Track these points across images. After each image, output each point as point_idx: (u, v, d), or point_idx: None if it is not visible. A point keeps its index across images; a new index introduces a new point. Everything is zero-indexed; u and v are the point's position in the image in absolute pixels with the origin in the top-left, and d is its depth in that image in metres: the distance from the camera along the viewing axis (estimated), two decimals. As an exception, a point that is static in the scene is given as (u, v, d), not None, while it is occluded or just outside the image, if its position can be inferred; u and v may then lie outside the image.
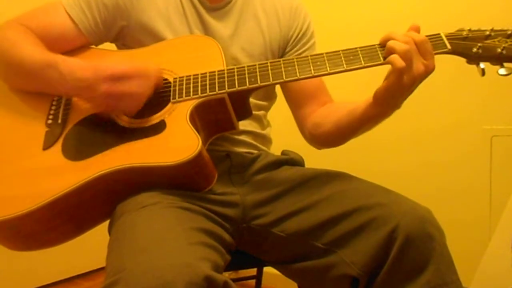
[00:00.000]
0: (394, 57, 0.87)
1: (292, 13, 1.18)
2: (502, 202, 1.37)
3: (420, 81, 0.90)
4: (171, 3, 1.09)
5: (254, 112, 1.07)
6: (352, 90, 1.65)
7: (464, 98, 1.70)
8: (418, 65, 0.88)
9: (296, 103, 1.18)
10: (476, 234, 1.61)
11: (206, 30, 1.10)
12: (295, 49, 1.17)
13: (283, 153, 1.18)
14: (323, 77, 1.17)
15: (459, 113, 1.71)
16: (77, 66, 0.96)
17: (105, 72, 0.93)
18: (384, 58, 0.90)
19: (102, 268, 0.80)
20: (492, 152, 1.59)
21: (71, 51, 1.07)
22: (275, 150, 1.21)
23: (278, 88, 1.22)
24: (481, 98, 1.66)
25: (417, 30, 0.92)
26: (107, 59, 1.07)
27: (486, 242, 1.37)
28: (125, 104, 0.95)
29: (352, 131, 1.05)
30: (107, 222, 0.97)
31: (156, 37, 1.07)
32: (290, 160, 1.15)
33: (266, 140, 1.19)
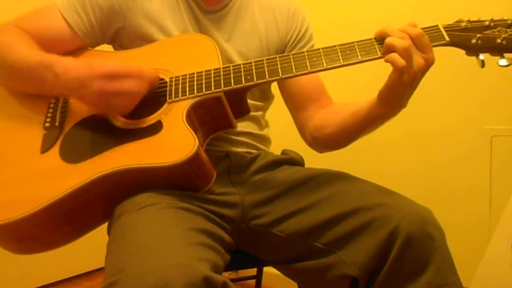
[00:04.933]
0: (394, 56, 0.86)
1: (290, 16, 1.17)
2: (502, 202, 1.37)
3: (422, 76, 0.89)
4: (167, 5, 1.09)
5: (251, 113, 1.07)
6: (351, 87, 1.66)
7: (464, 98, 1.70)
8: (418, 60, 0.87)
9: (296, 106, 1.17)
10: (476, 234, 1.60)
11: (203, 33, 1.09)
12: (293, 51, 1.16)
13: (283, 152, 1.18)
14: (323, 80, 1.18)
15: (459, 113, 1.71)
16: (71, 66, 0.96)
17: (98, 70, 0.93)
18: (383, 54, 0.89)
19: (102, 268, 0.80)
20: (492, 152, 1.59)
21: (68, 53, 1.07)
22: (275, 150, 1.21)
23: (275, 88, 1.21)
24: (481, 98, 1.66)
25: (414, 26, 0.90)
26: (101, 59, 1.06)
27: (486, 242, 1.37)
28: (118, 103, 0.94)
29: (357, 132, 1.04)
30: (107, 223, 0.97)
31: (151, 39, 1.07)
32: (290, 160, 1.15)
33: (265, 140, 1.18)
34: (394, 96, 0.91)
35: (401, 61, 0.85)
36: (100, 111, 0.98)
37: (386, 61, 0.88)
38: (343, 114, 1.06)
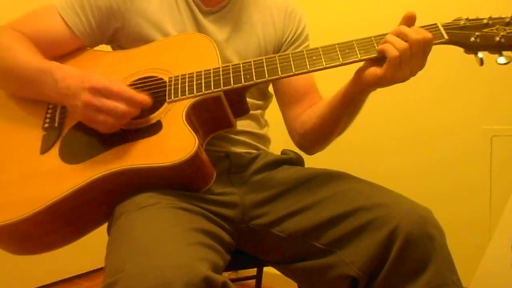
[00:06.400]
0: (388, 47, 0.88)
1: (287, 16, 1.18)
2: (502, 202, 1.37)
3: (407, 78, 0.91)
4: (166, 5, 1.09)
5: (251, 112, 1.07)
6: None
7: (464, 98, 1.70)
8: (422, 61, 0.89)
9: (289, 104, 1.17)
10: (476, 234, 1.60)
11: (202, 33, 1.09)
12: (288, 50, 1.16)
13: (283, 152, 1.18)
14: (314, 77, 1.18)
15: (459, 113, 1.71)
16: (68, 74, 0.95)
17: (89, 83, 0.90)
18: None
19: (102, 268, 0.80)
20: (492, 152, 1.59)
21: (67, 53, 1.07)
22: (275, 149, 1.21)
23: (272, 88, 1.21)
24: (481, 98, 1.66)
25: (413, 19, 0.92)
26: (102, 70, 1.04)
27: (486, 242, 1.37)
28: (101, 120, 0.91)
29: (334, 120, 1.05)
30: (107, 223, 0.97)
31: (149, 40, 1.07)
32: (289, 160, 1.15)
33: (264, 140, 1.18)
34: (376, 83, 0.92)
35: (394, 52, 0.87)
36: (87, 124, 0.95)
37: (380, 51, 0.90)
38: (322, 105, 1.08)
